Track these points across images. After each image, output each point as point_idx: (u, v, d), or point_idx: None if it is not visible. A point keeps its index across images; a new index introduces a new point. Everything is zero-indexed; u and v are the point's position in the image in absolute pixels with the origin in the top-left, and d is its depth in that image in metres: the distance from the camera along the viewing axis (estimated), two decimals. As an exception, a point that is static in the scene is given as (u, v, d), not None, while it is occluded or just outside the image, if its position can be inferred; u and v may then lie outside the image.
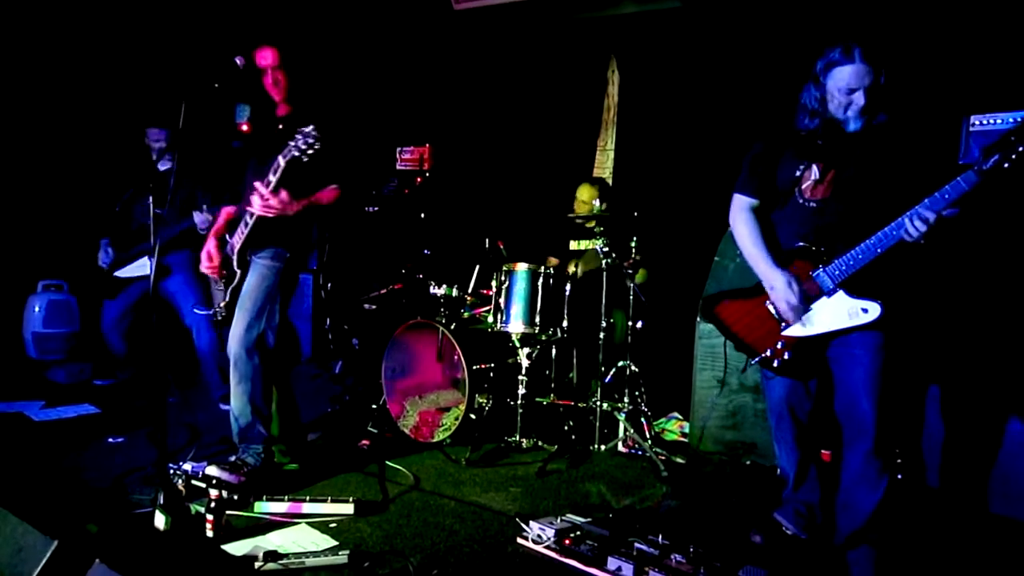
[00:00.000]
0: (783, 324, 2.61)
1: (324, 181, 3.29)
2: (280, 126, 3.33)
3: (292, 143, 2.96)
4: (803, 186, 2.60)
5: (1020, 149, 2.21)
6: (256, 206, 3.11)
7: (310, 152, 2.97)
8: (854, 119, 2.52)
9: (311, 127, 2.94)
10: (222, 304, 3.39)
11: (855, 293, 2.48)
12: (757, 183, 2.73)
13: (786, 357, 2.61)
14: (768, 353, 2.64)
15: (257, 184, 3.11)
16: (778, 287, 2.57)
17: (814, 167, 2.58)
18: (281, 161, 3.03)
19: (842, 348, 2.55)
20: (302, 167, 3.03)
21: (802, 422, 2.80)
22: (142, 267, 4.61)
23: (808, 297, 2.54)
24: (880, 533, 2.51)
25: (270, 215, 3.12)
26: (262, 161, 3.22)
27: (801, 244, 2.59)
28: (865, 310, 2.45)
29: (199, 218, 4.47)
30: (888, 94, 2.50)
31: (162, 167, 4.66)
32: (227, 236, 3.39)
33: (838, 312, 2.50)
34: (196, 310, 3.62)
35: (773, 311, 2.64)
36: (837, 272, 2.49)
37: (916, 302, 3.37)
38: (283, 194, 3.09)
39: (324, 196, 3.28)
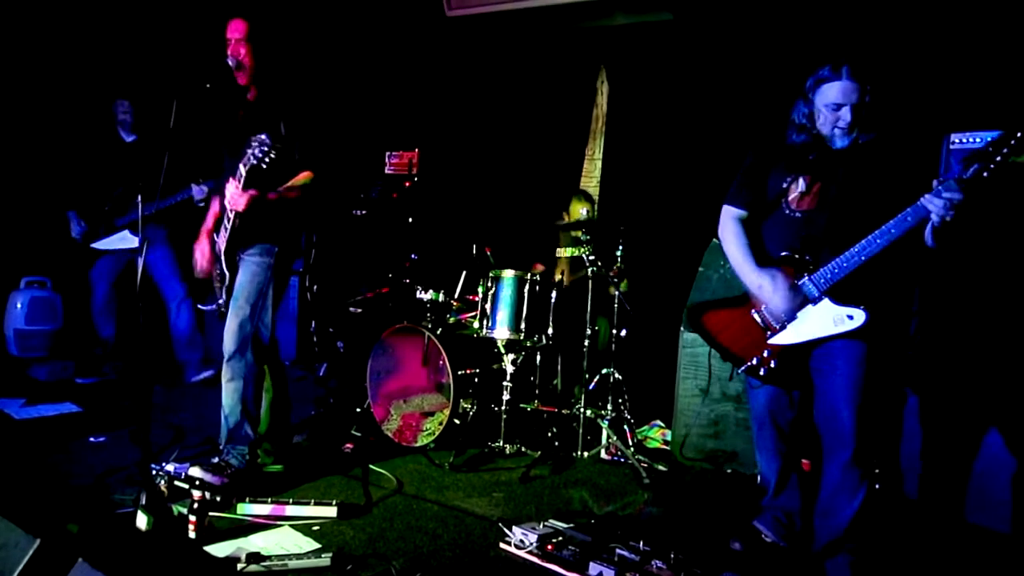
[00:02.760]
0: (768, 333, 2.65)
1: (294, 170, 3.28)
2: (243, 112, 3.34)
3: (249, 150, 3.01)
4: (789, 197, 2.66)
5: (998, 159, 2.28)
6: (230, 203, 3.15)
7: (267, 160, 3.01)
8: (840, 136, 2.58)
9: (264, 134, 2.98)
10: (221, 301, 3.39)
11: (840, 300, 2.52)
12: (746, 195, 2.79)
13: (772, 366, 2.65)
14: (754, 362, 2.68)
15: (228, 185, 3.15)
16: (766, 286, 2.62)
17: (801, 179, 2.64)
18: (242, 169, 3.08)
19: (824, 359, 2.60)
20: (266, 169, 3.06)
21: (783, 430, 2.84)
22: (122, 239, 4.65)
23: (794, 304, 2.59)
24: (858, 541, 2.55)
25: (242, 210, 3.14)
26: (233, 153, 3.24)
27: (786, 253, 2.63)
28: (851, 317, 2.49)
29: (196, 189, 4.50)
30: (874, 112, 2.56)
31: (128, 139, 4.86)
32: (215, 236, 3.40)
33: (823, 319, 2.54)
34: (200, 307, 3.67)
35: (759, 320, 2.68)
36: (822, 280, 2.54)
37: (896, 311, 3.43)
38: (253, 191, 3.13)
39: (297, 181, 3.27)
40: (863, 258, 2.46)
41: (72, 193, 4.96)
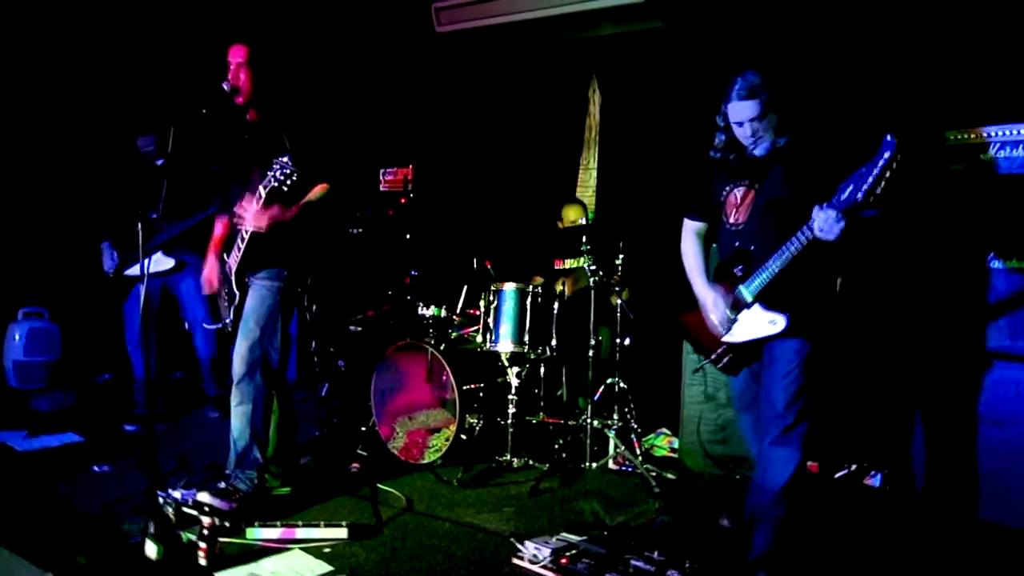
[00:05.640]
0: (721, 332, 2.83)
1: (306, 188, 3.29)
2: (248, 135, 3.36)
3: (271, 173, 3.02)
4: (727, 209, 2.81)
5: (877, 181, 2.34)
6: (248, 223, 3.15)
7: (288, 183, 3.03)
8: (751, 147, 2.72)
9: (286, 157, 3.01)
10: (228, 320, 3.37)
11: (769, 306, 2.66)
12: (698, 206, 2.98)
13: (726, 360, 2.86)
14: (715, 356, 2.89)
15: (243, 204, 3.16)
16: (707, 304, 2.84)
17: (736, 191, 2.78)
18: (262, 191, 3.08)
19: (767, 352, 2.74)
20: (285, 191, 3.07)
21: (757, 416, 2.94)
22: (155, 262, 4.56)
23: (735, 309, 2.75)
24: (785, 506, 2.61)
25: (263, 229, 3.15)
26: (242, 178, 3.26)
27: (721, 266, 2.82)
28: (773, 322, 2.65)
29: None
30: (783, 119, 2.67)
31: (160, 163, 4.65)
32: (224, 255, 3.39)
33: (757, 323, 2.70)
34: (205, 325, 3.60)
35: (710, 323, 2.86)
36: (752, 288, 2.69)
37: (876, 308, 3.59)
38: (274, 208, 3.15)
39: (313, 195, 3.30)
40: (779, 267, 2.59)
41: (105, 222, 4.75)
